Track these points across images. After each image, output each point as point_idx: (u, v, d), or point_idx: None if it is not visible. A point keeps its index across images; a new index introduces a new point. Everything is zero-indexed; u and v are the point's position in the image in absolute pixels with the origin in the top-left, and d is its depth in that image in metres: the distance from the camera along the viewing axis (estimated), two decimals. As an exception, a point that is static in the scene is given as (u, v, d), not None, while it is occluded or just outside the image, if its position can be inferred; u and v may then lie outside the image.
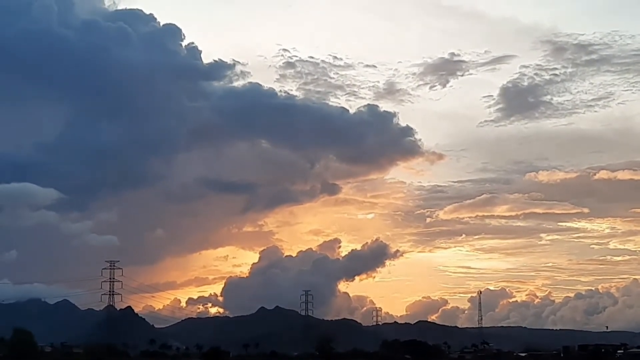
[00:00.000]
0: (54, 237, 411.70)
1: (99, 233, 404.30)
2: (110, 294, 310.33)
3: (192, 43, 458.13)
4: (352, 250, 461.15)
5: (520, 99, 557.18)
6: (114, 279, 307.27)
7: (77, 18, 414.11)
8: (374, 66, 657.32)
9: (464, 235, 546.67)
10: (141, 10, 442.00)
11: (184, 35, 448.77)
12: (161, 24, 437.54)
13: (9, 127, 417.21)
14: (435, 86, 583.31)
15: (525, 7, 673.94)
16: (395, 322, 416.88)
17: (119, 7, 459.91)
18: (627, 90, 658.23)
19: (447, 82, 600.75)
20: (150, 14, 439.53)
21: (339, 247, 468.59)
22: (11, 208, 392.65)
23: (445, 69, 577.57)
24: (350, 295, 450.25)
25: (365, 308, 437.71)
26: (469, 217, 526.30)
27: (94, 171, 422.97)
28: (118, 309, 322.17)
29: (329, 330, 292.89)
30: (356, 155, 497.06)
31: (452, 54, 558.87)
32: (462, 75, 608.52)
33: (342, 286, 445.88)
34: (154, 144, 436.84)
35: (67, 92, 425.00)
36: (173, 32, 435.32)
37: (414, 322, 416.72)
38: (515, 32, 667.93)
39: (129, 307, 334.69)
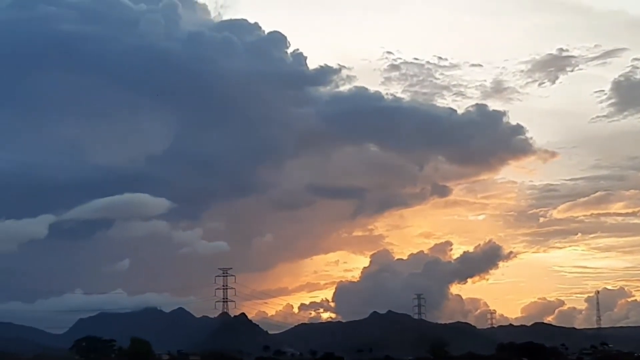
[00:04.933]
0: (165, 246, 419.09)
1: (209, 240, 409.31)
2: (224, 301, 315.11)
3: (297, 49, 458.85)
4: (464, 252, 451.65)
5: (633, 93, 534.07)
6: (227, 286, 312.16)
7: (184, 31, 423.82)
8: (480, 65, 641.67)
9: (579, 234, 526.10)
10: (246, 20, 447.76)
11: (289, 42, 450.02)
12: (266, 32, 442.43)
13: (122, 140, 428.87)
14: (544, 83, 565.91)
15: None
16: (510, 324, 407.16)
17: (224, 18, 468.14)
18: None
19: (557, 78, 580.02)
20: (255, 23, 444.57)
21: (451, 249, 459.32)
22: (124, 219, 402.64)
23: (554, 65, 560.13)
24: (463, 297, 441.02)
25: (479, 311, 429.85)
26: (584, 216, 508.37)
27: (204, 180, 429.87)
28: (232, 315, 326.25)
29: (443, 333, 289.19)
30: (466, 156, 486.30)
31: (561, 50, 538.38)
32: (571, 71, 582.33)
33: (455, 289, 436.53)
34: (261, 151, 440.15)
35: (176, 104, 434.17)
36: (278, 39, 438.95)
37: (530, 324, 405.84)
38: (625, 24, 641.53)
39: (243, 313, 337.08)
